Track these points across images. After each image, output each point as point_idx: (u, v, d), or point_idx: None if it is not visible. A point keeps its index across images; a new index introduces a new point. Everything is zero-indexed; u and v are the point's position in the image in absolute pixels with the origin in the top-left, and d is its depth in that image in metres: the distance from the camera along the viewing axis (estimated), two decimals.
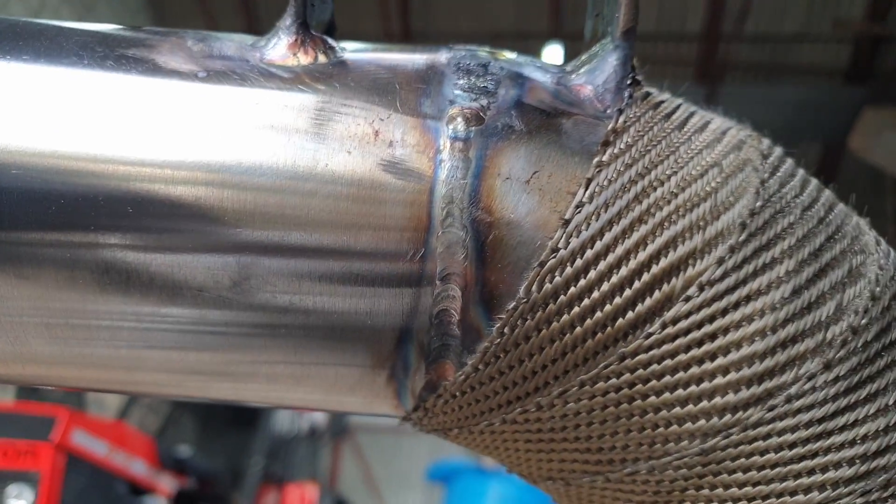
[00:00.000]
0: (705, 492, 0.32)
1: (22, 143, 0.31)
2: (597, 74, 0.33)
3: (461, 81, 0.33)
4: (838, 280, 0.31)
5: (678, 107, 0.34)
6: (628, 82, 0.33)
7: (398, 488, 8.96)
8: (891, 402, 0.31)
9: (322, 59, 0.34)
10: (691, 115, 0.34)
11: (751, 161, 0.32)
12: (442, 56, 0.34)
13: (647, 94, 0.34)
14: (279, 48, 0.34)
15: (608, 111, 0.32)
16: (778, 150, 0.35)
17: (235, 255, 0.31)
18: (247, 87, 0.32)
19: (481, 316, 0.31)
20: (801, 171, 0.34)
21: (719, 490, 0.31)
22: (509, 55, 0.36)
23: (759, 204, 0.31)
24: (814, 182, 0.35)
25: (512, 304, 0.30)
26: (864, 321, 0.31)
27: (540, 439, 0.33)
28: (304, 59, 0.33)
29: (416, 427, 0.36)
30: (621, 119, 0.32)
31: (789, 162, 0.35)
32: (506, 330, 0.30)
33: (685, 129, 0.33)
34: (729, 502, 0.32)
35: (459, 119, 0.31)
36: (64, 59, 0.33)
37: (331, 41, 0.35)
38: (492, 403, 0.32)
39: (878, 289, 0.32)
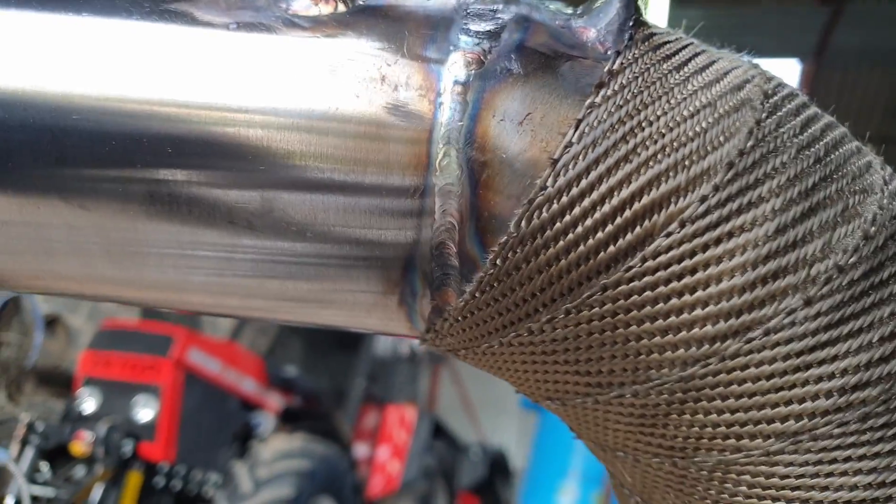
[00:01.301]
0: (686, 417, 0.34)
1: (80, 90, 0.35)
2: (601, 17, 0.35)
3: (468, 26, 0.34)
4: (829, 219, 0.32)
5: (683, 48, 0.35)
6: (630, 24, 0.34)
7: (494, 413, 9.21)
8: (874, 339, 0.32)
9: (342, 7, 0.36)
10: (695, 55, 0.35)
11: (750, 101, 0.33)
12: (452, 0, 0.36)
13: (650, 36, 0.34)
14: (302, 0, 0.36)
15: (608, 53, 0.34)
16: (786, 90, 0.35)
17: (259, 189, 0.34)
18: (271, 37, 0.35)
19: (477, 248, 0.33)
20: (808, 111, 0.35)
21: (699, 416, 0.33)
22: None
23: (750, 144, 0.32)
24: (822, 122, 0.35)
25: (503, 238, 0.32)
26: (851, 260, 0.31)
27: (534, 361, 0.36)
28: (324, 8, 0.36)
29: (431, 347, 0.39)
30: (618, 61, 0.33)
31: (797, 101, 0.35)
32: (498, 261, 0.33)
33: (684, 70, 0.33)
34: (708, 427, 0.34)
35: (460, 63, 0.33)
36: (116, 14, 0.37)
37: None
38: (489, 327, 0.35)
39: (872, 228, 0.32)
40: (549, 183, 0.32)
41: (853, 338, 0.32)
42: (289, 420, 4.68)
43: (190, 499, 4.17)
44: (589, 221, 0.32)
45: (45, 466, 3.91)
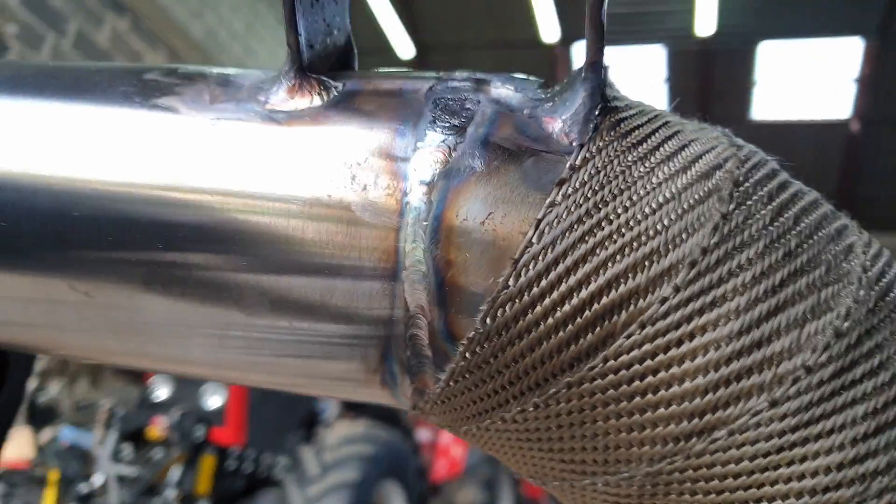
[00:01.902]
0: None
1: (79, 177, 0.37)
2: (567, 106, 0.34)
3: (437, 118, 0.35)
4: (798, 316, 0.31)
5: (654, 132, 0.34)
6: (595, 114, 0.34)
7: None
8: (847, 441, 0.31)
9: (317, 101, 0.37)
10: (666, 140, 0.34)
11: (718, 191, 0.32)
12: (424, 88, 0.37)
13: (619, 123, 0.34)
14: (280, 93, 0.37)
15: (573, 144, 0.33)
16: (760, 173, 0.34)
17: (244, 272, 0.36)
18: (249, 132, 0.36)
19: (446, 341, 0.34)
20: (784, 195, 0.34)
21: None
22: (497, 81, 0.37)
23: (714, 240, 0.31)
24: (798, 205, 0.34)
25: (471, 333, 0.33)
26: (821, 359, 0.31)
27: (511, 446, 0.36)
28: (300, 103, 0.37)
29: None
30: (580, 156, 0.33)
31: (772, 184, 0.34)
32: (467, 355, 0.33)
33: (651, 160, 0.33)
34: None
35: (426, 162, 0.34)
36: (112, 108, 0.39)
37: (328, 81, 0.38)
38: (466, 414, 0.36)
39: (845, 324, 0.31)
40: (510, 283, 0.32)
41: (824, 438, 0.31)
42: (352, 407, 4.78)
43: (261, 480, 4.32)
44: (550, 321, 0.32)
45: (127, 448, 4.12)
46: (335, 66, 0.42)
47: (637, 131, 0.34)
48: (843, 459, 0.31)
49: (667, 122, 0.35)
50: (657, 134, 0.34)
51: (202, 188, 0.36)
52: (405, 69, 0.41)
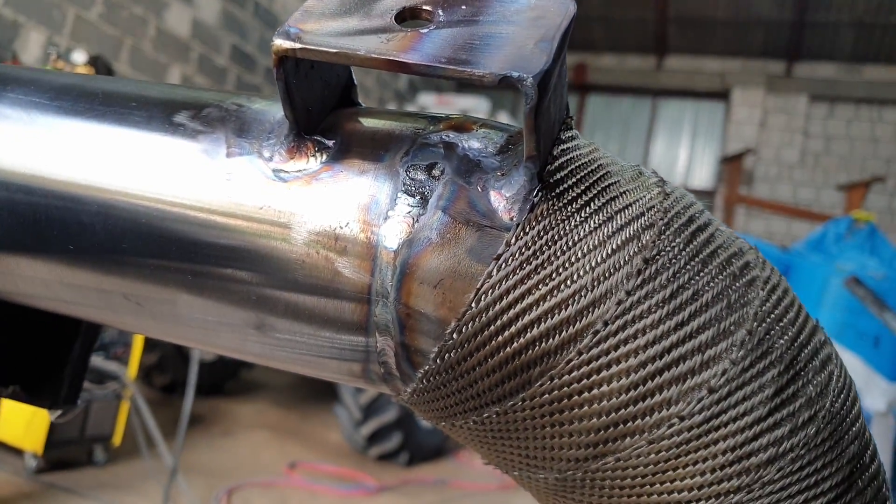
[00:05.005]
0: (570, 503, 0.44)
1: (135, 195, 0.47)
2: (512, 184, 0.41)
3: (407, 188, 0.42)
4: (682, 373, 0.39)
5: (588, 203, 0.41)
6: (534, 195, 0.40)
7: None
8: (708, 469, 0.39)
9: (312, 163, 0.45)
10: (597, 211, 0.41)
11: (628, 264, 0.39)
12: (401, 152, 0.44)
13: (556, 197, 0.41)
14: (281, 152, 0.45)
15: (513, 220, 0.41)
16: (680, 239, 0.40)
17: (255, 310, 0.46)
18: (256, 189, 0.45)
19: (409, 368, 0.44)
20: (693, 265, 0.40)
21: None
22: (465, 142, 0.44)
23: (616, 312, 0.39)
24: (689, 291, 0.40)
25: (426, 367, 0.42)
26: (694, 409, 0.39)
27: (471, 442, 0.47)
28: (298, 164, 0.45)
29: None
30: (515, 234, 0.40)
31: (679, 264, 0.40)
32: (423, 381, 0.43)
33: (580, 233, 0.40)
34: None
35: (392, 233, 0.42)
36: (151, 143, 0.47)
37: (322, 140, 0.45)
38: (429, 416, 0.46)
39: (719, 382, 0.39)
40: (454, 335, 0.41)
41: (691, 467, 0.39)
42: None
43: None
44: (480, 369, 0.41)
45: None
46: (337, 105, 0.49)
47: (571, 206, 0.41)
48: (704, 482, 0.40)
49: (604, 189, 0.42)
50: (590, 206, 0.41)
51: (221, 218, 0.45)
52: (393, 115, 0.48)
